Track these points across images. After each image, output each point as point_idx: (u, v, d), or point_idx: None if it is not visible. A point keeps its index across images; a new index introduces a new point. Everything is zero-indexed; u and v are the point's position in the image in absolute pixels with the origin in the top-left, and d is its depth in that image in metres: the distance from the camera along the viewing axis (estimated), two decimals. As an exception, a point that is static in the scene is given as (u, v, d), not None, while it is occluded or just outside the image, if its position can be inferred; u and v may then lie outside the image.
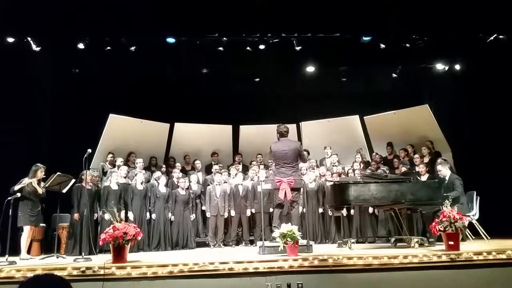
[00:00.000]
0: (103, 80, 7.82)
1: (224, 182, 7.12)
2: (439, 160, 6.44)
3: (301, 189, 6.05)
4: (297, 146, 5.45)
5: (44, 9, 6.27)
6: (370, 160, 7.81)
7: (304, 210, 6.47)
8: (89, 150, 5.39)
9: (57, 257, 5.27)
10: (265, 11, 6.48)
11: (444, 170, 6.14)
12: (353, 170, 7.14)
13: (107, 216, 6.08)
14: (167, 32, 6.99)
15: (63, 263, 4.61)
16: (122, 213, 4.63)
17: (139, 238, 4.74)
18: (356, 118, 8.33)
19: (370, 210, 6.72)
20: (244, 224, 7.08)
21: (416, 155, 7.21)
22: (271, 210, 6.48)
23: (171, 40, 7.06)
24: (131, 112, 7.66)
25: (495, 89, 7.27)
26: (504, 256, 4.32)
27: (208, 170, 7.89)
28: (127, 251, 4.50)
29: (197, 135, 8.19)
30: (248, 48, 7.23)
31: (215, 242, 6.85)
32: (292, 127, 8.24)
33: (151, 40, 7.08)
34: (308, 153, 7.89)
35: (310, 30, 7.06)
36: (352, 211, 6.78)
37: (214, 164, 7.77)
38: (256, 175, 7.27)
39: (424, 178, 6.38)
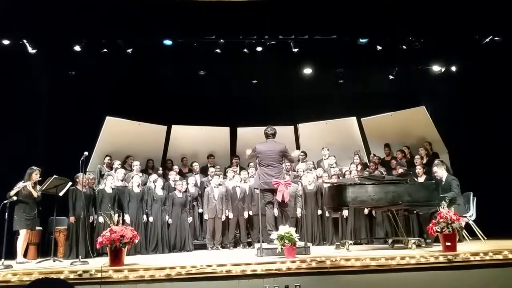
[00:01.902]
0: (100, 83, 7.79)
1: (220, 185, 7.10)
2: (436, 161, 6.46)
3: (299, 191, 6.06)
4: (282, 148, 5.46)
5: (40, 11, 6.26)
6: (367, 162, 7.83)
7: (303, 212, 6.47)
8: (86, 153, 5.38)
9: (54, 261, 5.25)
10: (263, 12, 6.50)
11: (440, 172, 6.16)
12: (351, 172, 7.16)
13: (101, 219, 6.08)
14: (164, 34, 6.98)
15: (60, 267, 4.59)
16: (116, 216, 4.61)
17: (136, 241, 4.73)
18: (353, 120, 8.35)
19: (366, 211, 6.72)
20: (241, 226, 7.07)
21: (417, 156, 7.24)
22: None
23: (168, 42, 7.06)
24: (128, 115, 7.64)
25: (491, 91, 7.31)
26: (500, 257, 4.34)
27: (203, 172, 7.88)
28: (124, 254, 4.48)
29: (194, 137, 8.18)
30: (245, 50, 7.24)
31: (213, 244, 6.83)
32: (289, 129, 8.31)
33: (148, 42, 7.08)
34: (306, 155, 7.92)
35: (307, 32, 7.08)
36: (346, 212, 6.78)
37: (210, 167, 7.77)
38: (253, 177, 7.27)
39: (421, 179, 6.40)
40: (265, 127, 5.61)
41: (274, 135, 5.54)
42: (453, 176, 6.25)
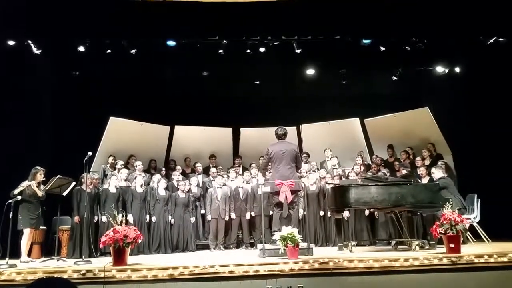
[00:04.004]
0: (103, 83, 7.82)
1: (223, 185, 7.11)
2: (439, 162, 6.45)
3: (301, 191, 6.05)
4: (294, 148, 5.54)
5: (45, 11, 6.29)
6: (370, 163, 7.81)
7: (305, 213, 6.45)
8: (90, 153, 5.40)
9: (58, 260, 5.27)
10: (266, 13, 6.50)
11: (437, 173, 6.17)
12: (354, 173, 7.13)
13: (104, 218, 6.10)
14: (167, 35, 7.00)
15: (64, 266, 4.61)
16: (120, 216, 4.64)
17: (140, 241, 4.74)
18: (356, 121, 8.34)
19: (366, 212, 6.70)
20: (244, 227, 7.07)
21: (418, 158, 7.21)
22: (271, 213, 6.47)
23: (171, 43, 7.07)
24: (131, 115, 7.66)
25: (495, 92, 7.28)
26: (505, 259, 4.33)
27: (206, 172, 7.88)
28: (127, 254, 4.50)
29: (197, 138, 8.20)
30: (248, 51, 7.24)
31: (216, 245, 6.84)
32: (292, 130, 8.29)
33: (151, 42, 7.09)
34: (308, 156, 7.91)
35: (310, 33, 7.07)
36: (347, 214, 6.75)
37: (212, 167, 7.77)
38: (255, 177, 7.27)
39: (424, 180, 6.38)
40: (276, 128, 5.62)
41: (285, 135, 5.58)
42: (446, 178, 6.19)
